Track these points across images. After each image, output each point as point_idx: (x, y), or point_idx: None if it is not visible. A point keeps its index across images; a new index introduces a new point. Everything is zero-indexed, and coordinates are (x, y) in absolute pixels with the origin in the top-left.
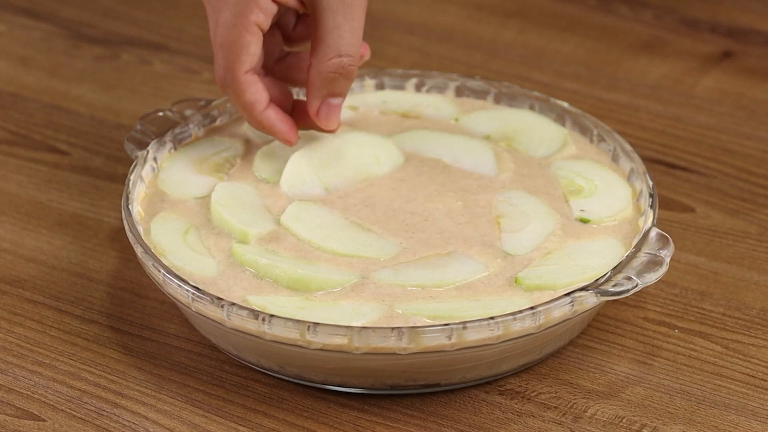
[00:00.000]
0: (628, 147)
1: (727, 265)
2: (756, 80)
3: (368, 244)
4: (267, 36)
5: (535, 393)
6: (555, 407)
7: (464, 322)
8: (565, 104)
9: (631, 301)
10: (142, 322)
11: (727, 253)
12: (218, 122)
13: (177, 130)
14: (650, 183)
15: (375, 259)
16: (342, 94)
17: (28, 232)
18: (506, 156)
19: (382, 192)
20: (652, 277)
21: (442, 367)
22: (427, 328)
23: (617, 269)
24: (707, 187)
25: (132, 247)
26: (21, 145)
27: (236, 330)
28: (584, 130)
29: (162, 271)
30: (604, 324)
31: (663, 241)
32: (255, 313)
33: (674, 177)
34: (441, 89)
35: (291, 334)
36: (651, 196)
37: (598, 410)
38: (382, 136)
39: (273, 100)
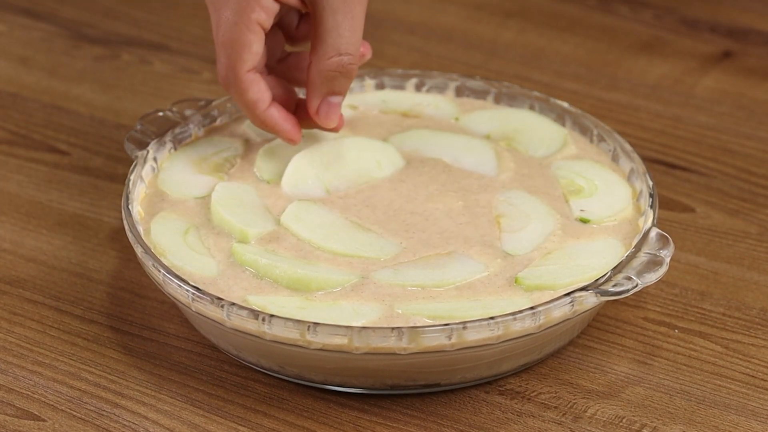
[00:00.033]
0: (628, 147)
1: (727, 265)
2: (756, 80)
3: (368, 244)
4: (269, 36)
5: (535, 393)
6: (555, 407)
7: (464, 322)
8: (565, 104)
9: (631, 301)
10: (142, 322)
11: (727, 253)
12: (218, 122)
13: (177, 130)
14: (650, 183)
15: (375, 259)
16: (342, 93)
17: (28, 232)
18: (507, 156)
19: (382, 192)
20: (652, 277)
21: (442, 367)
22: (427, 328)
23: (617, 269)
24: (707, 187)
25: (132, 247)
26: (21, 145)
27: (236, 330)
28: (584, 130)
29: (162, 271)
30: (604, 324)
31: (663, 241)
32: (255, 313)
33: (674, 177)
34: (441, 89)
35: (291, 334)
36: (651, 196)
37: (598, 410)
38: (383, 140)
39: (276, 99)
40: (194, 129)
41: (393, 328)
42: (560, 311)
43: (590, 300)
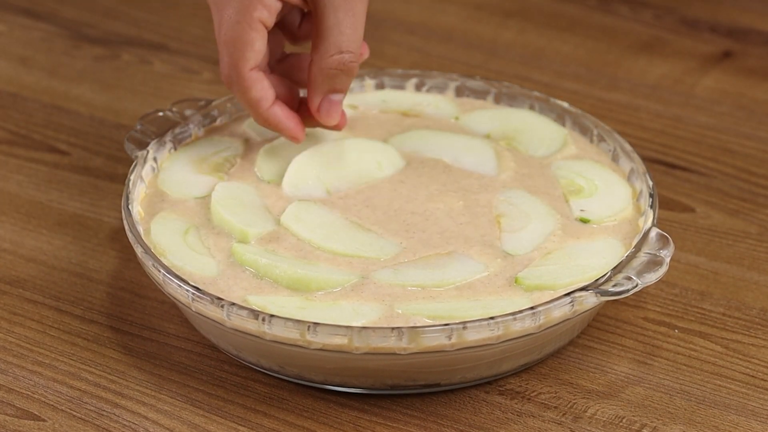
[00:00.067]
0: (628, 147)
1: (727, 265)
2: (756, 80)
3: (368, 244)
4: (270, 35)
5: (535, 393)
6: (555, 407)
7: (464, 322)
8: (565, 104)
9: (631, 301)
10: (142, 322)
11: (727, 253)
12: (218, 122)
13: (177, 130)
14: (650, 183)
15: (375, 259)
16: (343, 91)
17: (28, 232)
18: (507, 155)
19: (383, 192)
20: (652, 277)
21: (442, 367)
22: (427, 328)
23: (617, 269)
24: (707, 187)
25: (132, 247)
26: (21, 145)
27: (236, 330)
28: (584, 130)
29: (162, 271)
30: (604, 324)
31: (663, 241)
32: (255, 313)
33: (674, 177)
34: (441, 89)
35: (291, 334)
36: (651, 196)
37: (598, 410)
38: (383, 141)
39: (279, 98)
40: (194, 129)
41: (393, 328)
42: (560, 311)
43: (590, 300)
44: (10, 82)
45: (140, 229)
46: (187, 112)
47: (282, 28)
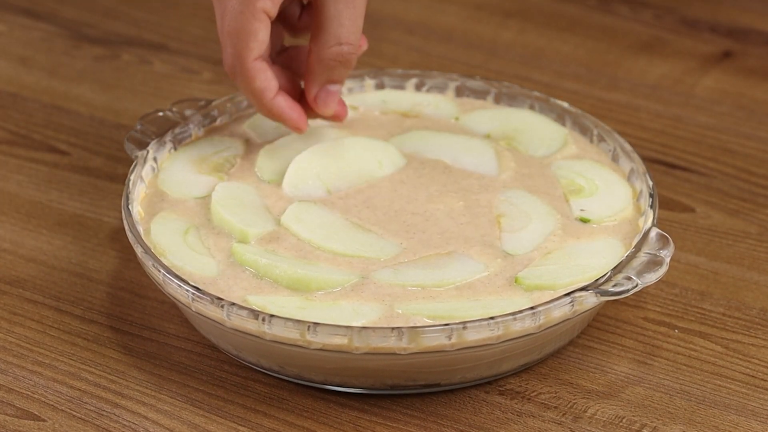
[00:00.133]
0: (628, 147)
1: (727, 265)
2: (756, 80)
3: (368, 245)
4: (271, 27)
5: (535, 393)
6: (555, 407)
7: (464, 322)
8: (565, 104)
9: (631, 301)
10: (142, 322)
11: (727, 253)
12: (218, 122)
13: (177, 130)
14: (650, 183)
15: (375, 259)
16: (340, 81)
17: (28, 232)
18: (507, 155)
19: (383, 193)
20: (652, 277)
21: (442, 367)
22: (427, 328)
23: (617, 269)
24: (707, 187)
25: (132, 247)
26: (21, 145)
27: (236, 330)
28: (584, 130)
29: (162, 271)
30: (604, 324)
31: (663, 241)
32: (255, 313)
33: (674, 177)
34: (441, 89)
35: (291, 334)
36: (651, 196)
37: (598, 410)
38: (384, 139)
39: (282, 89)
40: (194, 129)
41: (393, 328)
42: (560, 311)
43: (590, 300)
44: (10, 82)
45: (140, 229)
46: (187, 112)
47: (282, 21)
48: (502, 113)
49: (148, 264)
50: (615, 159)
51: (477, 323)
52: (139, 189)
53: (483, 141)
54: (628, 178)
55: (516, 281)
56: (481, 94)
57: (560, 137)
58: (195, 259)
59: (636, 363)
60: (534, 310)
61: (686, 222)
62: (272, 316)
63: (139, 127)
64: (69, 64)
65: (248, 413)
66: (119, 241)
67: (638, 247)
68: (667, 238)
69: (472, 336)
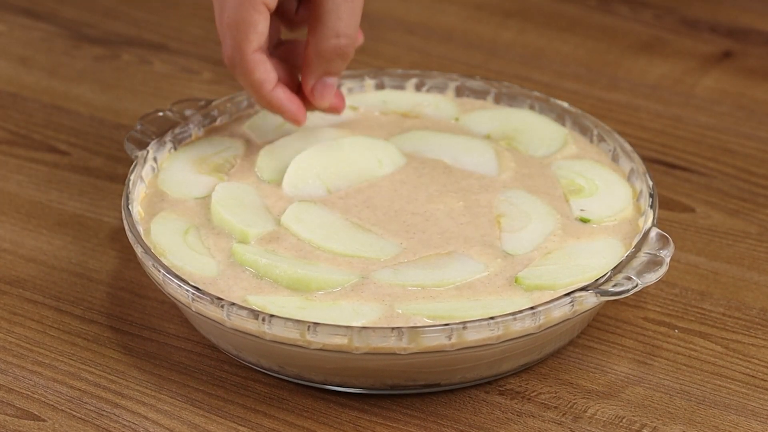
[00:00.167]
0: (628, 147)
1: (727, 265)
2: (756, 80)
3: (368, 245)
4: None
5: (535, 393)
6: (555, 407)
7: (464, 322)
8: (565, 104)
9: (631, 301)
10: (142, 322)
11: (727, 253)
12: (218, 122)
13: (177, 130)
14: (650, 183)
15: (375, 259)
16: (337, 74)
17: (28, 232)
18: (507, 155)
19: (383, 193)
20: (652, 277)
21: (442, 367)
22: (427, 328)
23: (617, 269)
24: (707, 187)
25: (132, 247)
26: (21, 145)
27: (236, 330)
28: (584, 130)
29: (162, 271)
30: (604, 324)
31: (663, 241)
32: (255, 313)
33: (674, 177)
34: (441, 89)
35: (291, 334)
36: (651, 196)
37: (598, 410)
38: (384, 139)
39: (280, 81)
40: (194, 129)
41: (393, 328)
42: (560, 311)
43: (590, 300)
44: (10, 82)
45: (140, 229)
46: (187, 112)
47: (279, 14)
48: (502, 113)
49: (148, 264)
50: (615, 159)
51: (477, 323)
52: (139, 189)
53: (483, 141)
54: (628, 178)
55: (516, 281)
56: (481, 94)
57: (560, 137)
58: (195, 259)
59: (636, 363)
60: (534, 310)
61: (686, 222)
62: (272, 316)
63: (139, 127)
64: (69, 64)
65: (248, 413)
66: (119, 241)
67: (638, 247)
68: (667, 238)
69: (472, 336)
